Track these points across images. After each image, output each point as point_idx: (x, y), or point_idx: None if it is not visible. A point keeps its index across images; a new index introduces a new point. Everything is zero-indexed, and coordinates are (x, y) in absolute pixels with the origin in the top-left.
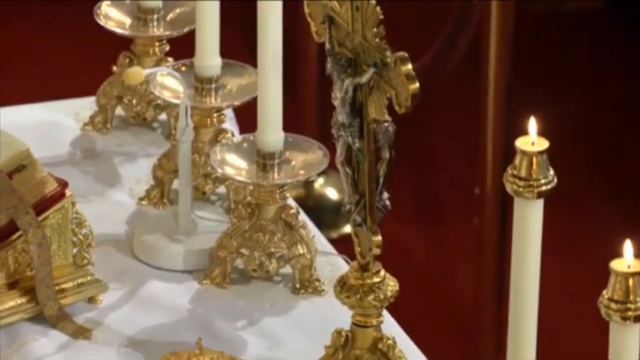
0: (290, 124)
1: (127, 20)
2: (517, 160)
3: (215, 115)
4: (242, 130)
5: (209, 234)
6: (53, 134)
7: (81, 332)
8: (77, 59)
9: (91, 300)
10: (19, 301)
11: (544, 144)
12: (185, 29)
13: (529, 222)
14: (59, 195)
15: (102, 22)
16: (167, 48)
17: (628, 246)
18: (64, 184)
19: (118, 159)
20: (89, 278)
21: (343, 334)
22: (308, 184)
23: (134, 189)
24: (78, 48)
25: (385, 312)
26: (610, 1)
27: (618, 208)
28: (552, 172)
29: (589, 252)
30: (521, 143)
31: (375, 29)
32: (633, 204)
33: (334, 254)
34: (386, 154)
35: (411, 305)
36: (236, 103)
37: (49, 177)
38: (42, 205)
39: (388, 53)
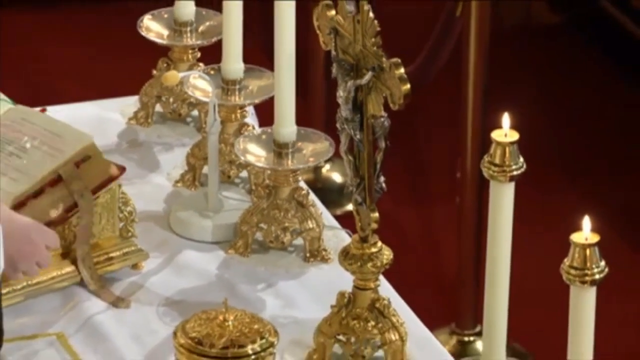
0: (302, 118)
1: (165, 32)
2: (492, 150)
3: (238, 111)
4: (261, 124)
5: (234, 211)
6: (103, 127)
7: (119, 301)
8: (122, 64)
9: (134, 266)
10: (74, 267)
11: (515, 135)
12: (214, 39)
13: (502, 201)
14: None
15: (144, 33)
16: (199, 55)
17: (586, 222)
18: (122, 169)
19: (157, 148)
20: (133, 248)
21: (346, 295)
22: (317, 169)
23: (171, 174)
24: (123, 55)
25: (381, 277)
26: (569, 18)
27: (577, 190)
28: (521, 159)
29: (553, 226)
30: (496, 135)
31: (373, 39)
32: (590, 186)
33: (339, 228)
34: (382, 144)
35: (403, 270)
36: (256, 101)
37: (110, 164)
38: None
39: (384, 59)
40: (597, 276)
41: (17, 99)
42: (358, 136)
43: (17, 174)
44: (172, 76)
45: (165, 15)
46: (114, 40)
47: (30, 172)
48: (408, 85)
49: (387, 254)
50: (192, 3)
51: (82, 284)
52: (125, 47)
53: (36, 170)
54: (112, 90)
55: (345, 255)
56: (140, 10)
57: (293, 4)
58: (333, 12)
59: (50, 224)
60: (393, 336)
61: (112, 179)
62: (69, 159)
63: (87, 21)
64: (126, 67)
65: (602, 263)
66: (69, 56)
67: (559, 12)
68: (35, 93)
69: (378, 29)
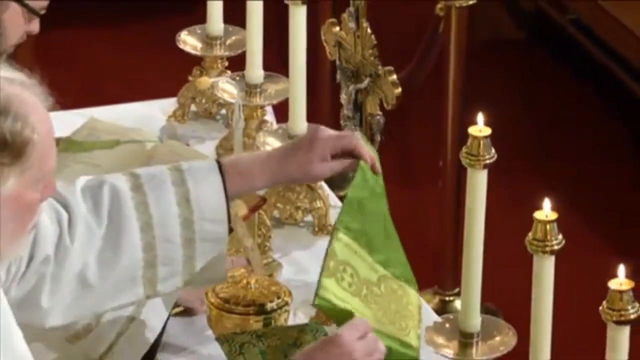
0: (311, 116)
1: (199, 45)
2: (469, 142)
3: (259, 110)
4: (278, 121)
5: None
6: (147, 123)
7: None
8: (163, 71)
9: (270, 276)
10: None
11: (487, 131)
12: (239, 51)
13: (477, 185)
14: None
15: (181, 45)
16: (227, 64)
17: (546, 203)
18: (263, 200)
19: (192, 141)
20: (269, 259)
21: None
22: None
23: None
24: (164, 63)
25: None
26: (531, 33)
27: (540, 175)
28: (493, 150)
29: (519, 206)
30: (472, 130)
31: (370, 51)
32: (550, 173)
33: None
34: (378, 138)
35: None
36: (274, 102)
37: (256, 196)
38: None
39: (379, 67)
40: (555, 247)
41: (75, 101)
42: (358, 131)
43: None
44: (205, 81)
45: (199, 31)
46: (157, 51)
47: None
48: (399, 89)
49: None
50: (221, 20)
51: None
52: (166, 57)
53: None
54: (155, 93)
55: None
56: (179, 26)
57: (304, 22)
58: (337, 28)
59: None
60: None
61: (257, 207)
62: None
63: (136, 35)
64: (166, 74)
65: (560, 236)
66: (120, 64)
67: (523, 29)
68: (91, 95)
69: (374, 42)
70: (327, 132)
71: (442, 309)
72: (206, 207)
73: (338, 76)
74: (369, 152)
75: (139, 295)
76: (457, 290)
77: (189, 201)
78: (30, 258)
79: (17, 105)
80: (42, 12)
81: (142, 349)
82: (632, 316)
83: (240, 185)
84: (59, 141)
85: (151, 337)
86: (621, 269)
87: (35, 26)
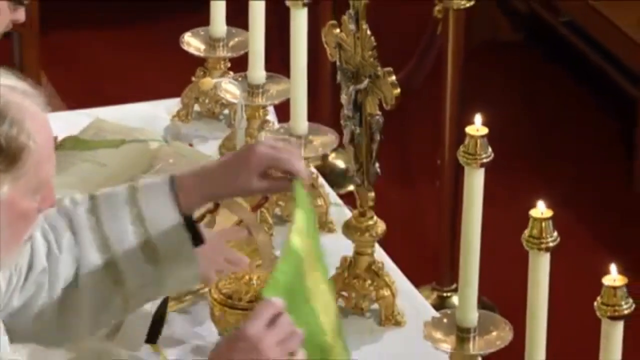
0: (312, 116)
1: (202, 46)
2: (466, 141)
3: (261, 110)
4: (280, 121)
5: None
6: (152, 123)
7: None
8: (168, 72)
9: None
10: None
11: (484, 130)
12: (242, 52)
13: (474, 183)
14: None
15: (185, 47)
16: (229, 65)
17: (540, 203)
18: (265, 198)
19: (195, 140)
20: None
21: (347, 259)
22: (324, 156)
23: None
24: (169, 64)
25: (376, 245)
26: (527, 35)
27: (540, 176)
28: (490, 149)
29: (516, 204)
30: (469, 130)
31: (370, 52)
32: (546, 172)
33: (342, 205)
34: (377, 137)
35: (394, 239)
36: (275, 102)
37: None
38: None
39: (379, 68)
40: (550, 244)
41: (77, 102)
42: (358, 130)
43: None
44: (208, 82)
45: (202, 33)
46: (159, 53)
47: None
48: (398, 90)
49: (381, 226)
50: (224, 22)
51: None
52: (168, 58)
53: None
54: (157, 94)
55: (347, 226)
56: (181, 27)
57: (305, 24)
58: (338, 30)
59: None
60: (385, 292)
61: (259, 206)
62: None
63: (137, 37)
64: (168, 75)
65: (555, 233)
66: (122, 66)
67: (519, 31)
68: (92, 96)
69: (374, 44)
70: (263, 148)
71: (440, 304)
72: (163, 221)
73: (338, 77)
74: (305, 170)
75: (116, 313)
76: (454, 286)
77: (143, 219)
78: (29, 268)
79: (14, 112)
80: (27, 1)
81: (146, 320)
82: (626, 311)
83: (188, 202)
84: (62, 140)
85: (152, 307)
86: (613, 266)
87: (20, 15)
